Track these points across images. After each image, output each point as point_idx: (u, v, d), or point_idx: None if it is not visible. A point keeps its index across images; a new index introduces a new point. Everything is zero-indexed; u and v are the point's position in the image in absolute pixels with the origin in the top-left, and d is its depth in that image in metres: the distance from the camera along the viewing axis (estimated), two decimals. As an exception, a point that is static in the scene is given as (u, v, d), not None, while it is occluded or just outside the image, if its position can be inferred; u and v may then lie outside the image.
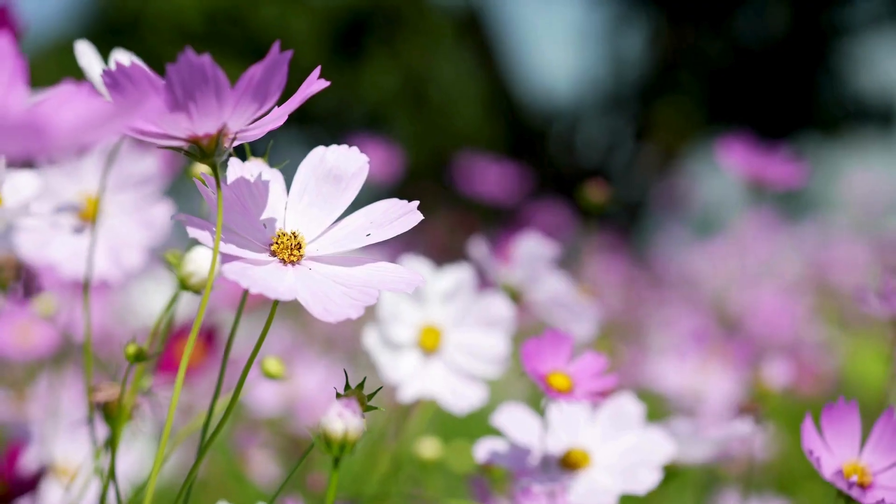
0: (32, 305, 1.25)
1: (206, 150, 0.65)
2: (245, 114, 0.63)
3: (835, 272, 3.94)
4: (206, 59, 0.59)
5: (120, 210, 1.04)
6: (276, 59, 0.61)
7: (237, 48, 7.95)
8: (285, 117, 0.66)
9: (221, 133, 0.65)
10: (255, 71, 0.61)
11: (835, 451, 0.80)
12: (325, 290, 0.65)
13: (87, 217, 1.02)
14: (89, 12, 9.15)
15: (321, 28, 8.70)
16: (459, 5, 9.89)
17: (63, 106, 0.49)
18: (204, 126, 0.63)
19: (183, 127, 0.63)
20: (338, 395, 0.71)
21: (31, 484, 1.00)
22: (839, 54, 9.61)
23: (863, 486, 0.78)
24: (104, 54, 0.89)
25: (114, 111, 0.50)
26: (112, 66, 0.60)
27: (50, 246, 1.00)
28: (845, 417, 0.80)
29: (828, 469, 0.78)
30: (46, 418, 1.32)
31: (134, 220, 1.03)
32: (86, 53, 0.85)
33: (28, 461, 1.02)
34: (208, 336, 1.43)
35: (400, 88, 9.04)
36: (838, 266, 3.98)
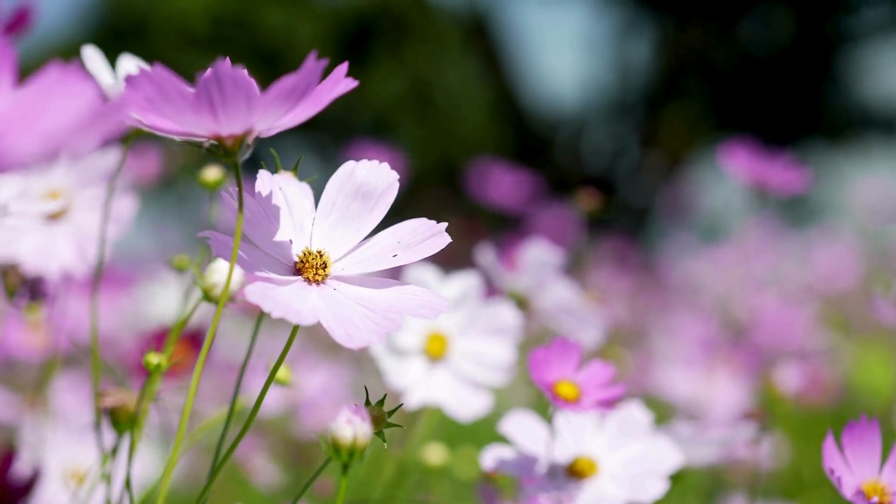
0: (23, 311, 1.24)
1: (230, 150, 0.64)
2: (272, 118, 0.62)
3: (839, 279, 3.93)
4: (240, 70, 0.58)
5: (87, 205, 1.04)
6: (311, 69, 0.59)
7: (243, 53, 7.95)
8: (306, 117, 0.64)
9: (247, 134, 0.64)
10: (289, 81, 0.59)
11: (855, 469, 0.80)
12: (348, 314, 0.64)
13: (56, 214, 1.03)
14: (95, 16, 9.15)
15: (327, 33, 8.70)
16: (466, 11, 9.89)
17: (39, 107, 0.46)
18: (230, 129, 0.63)
19: (208, 128, 0.62)
20: (365, 404, 0.71)
21: (23, 490, 0.99)
22: (844, 62, 9.60)
23: None
24: (110, 59, 0.89)
25: (99, 110, 0.47)
26: (131, 70, 0.59)
27: (18, 242, 1.01)
28: (866, 436, 0.80)
29: (848, 488, 0.78)
30: (49, 422, 1.32)
31: (100, 215, 1.03)
32: (92, 58, 0.85)
33: (21, 467, 1.02)
34: (193, 339, 1.43)
35: (406, 94, 9.04)
36: (842, 273, 3.97)
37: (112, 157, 1.05)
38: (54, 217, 1.03)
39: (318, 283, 0.66)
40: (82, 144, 0.48)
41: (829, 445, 0.78)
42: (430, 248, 0.67)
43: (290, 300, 0.63)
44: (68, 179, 1.04)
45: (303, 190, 0.71)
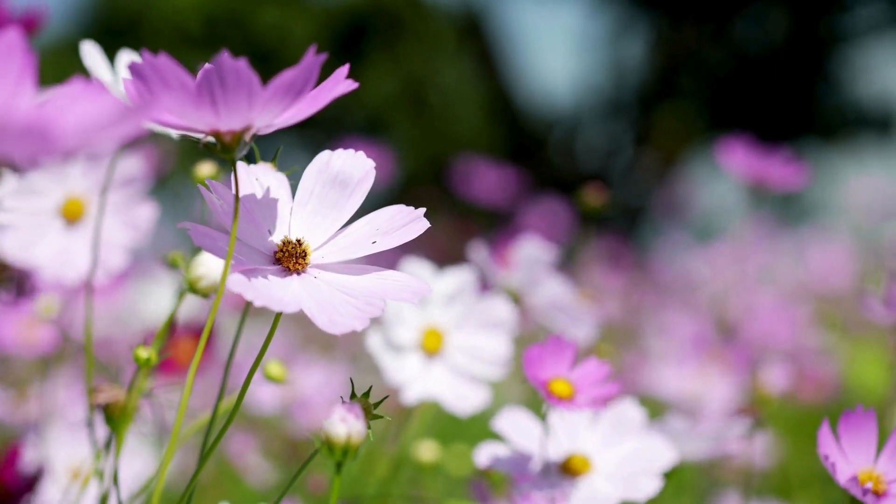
0: (30, 306, 1.25)
1: (229, 146, 0.64)
2: (272, 114, 0.63)
3: (833, 278, 3.94)
4: (242, 62, 0.59)
5: (105, 211, 1.04)
6: (310, 63, 0.60)
7: (237, 52, 7.89)
8: (306, 114, 0.65)
9: (245, 130, 0.64)
10: (288, 75, 0.60)
11: (850, 457, 0.80)
12: (330, 301, 0.64)
13: (72, 218, 1.02)
14: (89, 14, 9.15)
15: (321, 32, 8.70)
16: (460, 11, 9.90)
17: (71, 106, 0.48)
18: (229, 124, 0.63)
19: (208, 122, 0.63)
20: (344, 402, 0.71)
21: (28, 486, 0.99)
22: (838, 61, 9.62)
23: (877, 494, 0.78)
24: (104, 57, 0.89)
25: (125, 112, 0.49)
26: (134, 59, 0.59)
27: (35, 247, 1.01)
28: (862, 425, 0.80)
29: (842, 475, 0.79)
30: (45, 418, 1.32)
31: (118, 220, 1.03)
32: (91, 54, 0.85)
33: (26, 463, 1.02)
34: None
35: (400, 93, 9.04)
36: (837, 272, 3.98)
37: (133, 161, 1.04)
38: (71, 222, 1.02)
39: (298, 272, 0.67)
40: (106, 143, 0.49)
41: (825, 433, 0.79)
42: (408, 234, 0.67)
43: (271, 289, 0.63)
44: (86, 184, 1.03)
45: (280, 181, 0.71)
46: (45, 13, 0.99)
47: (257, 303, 0.61)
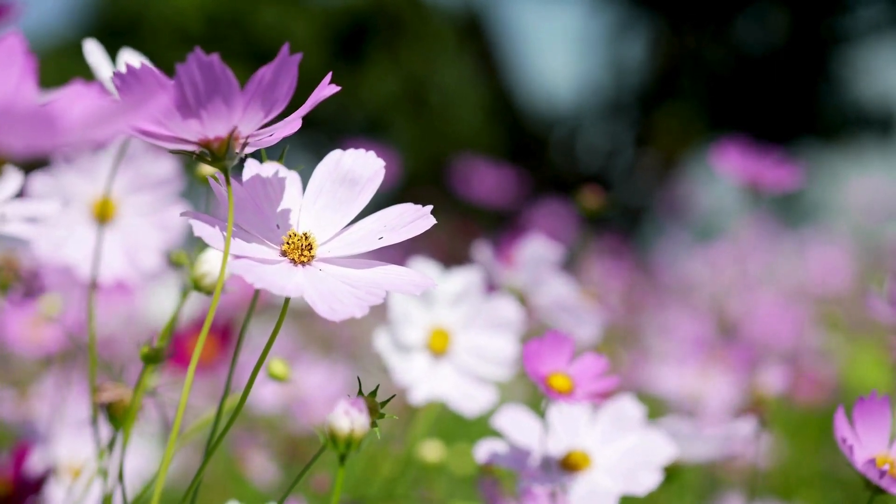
0: (35, 305, 1.25)
1: (217, 154, 0.65)
2: (255, 117, 0.63)
3: (834, 278, 3.94)
4: (214, 58, 0.59)
5: (136, 212, 1.04)
6: (286, 60, 0.61)
7: (237, 52, 7.94)
8: (299, 123, 0.66)
9: (232, 136, 0.65)
10: (265, 72, 0.61)
11: (865, 443, 0.81)
12: (332, 289, 0.65)
13: (103, 218, 1.03)
14: (89, 15, 9.15)
15: (321, 32, 8.70)
16: (461, 11, 9.90)
17: (72, 102, 0.49)
18: (214, 129, 0.63)
19: (193, 130, 0.63)
20: (358, 395, 0.72)
21: (35, 486, 1.00)
22: (839, 62, 9.62)
23: (894, 477, 0.79)
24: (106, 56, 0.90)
25: (121, 108, 0.50)
26: (121, 67, 0.60)
27: (66, 246, 1.01)
28: (877, 412, 0.82)
29: (859, 459, 0.80)
30: (51, 418, 1.32)
31: (150, 222, 1.04)
32: (94, 52, 0.85)
33: (33, 462, 1.03)
34: (223, 332, 1.43)
35: (401, 93, 9.04)
36: (837, 272, 3.98)
37: (166, 163, 1.05)
38: (102, 222, 1.03)
39: (303, 264, 0.67)
40: (105, 138, 0.50)
41: (841, 418, 0.80)
42: (415, 230, 0.68)
43: (274, 276, 0.64)
44: (118, 185, 1.04)
45: (290, 177, 0.72)
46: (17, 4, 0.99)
47: (258, 286, 0.62)
